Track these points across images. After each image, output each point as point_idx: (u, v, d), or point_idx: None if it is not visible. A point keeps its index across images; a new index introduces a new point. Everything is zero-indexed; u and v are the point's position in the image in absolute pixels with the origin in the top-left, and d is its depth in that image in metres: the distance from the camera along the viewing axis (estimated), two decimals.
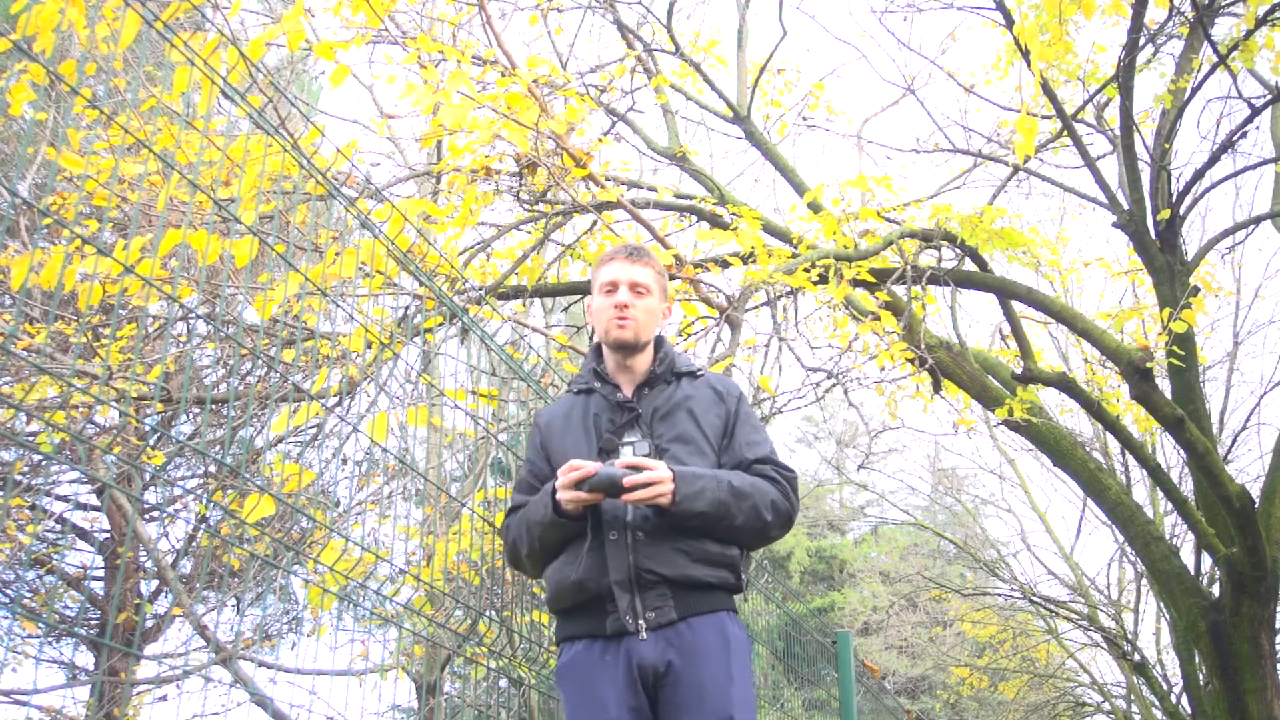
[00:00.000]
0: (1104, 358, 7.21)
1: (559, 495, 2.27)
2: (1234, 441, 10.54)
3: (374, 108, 9.11)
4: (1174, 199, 6.58)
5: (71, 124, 4.23)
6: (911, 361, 5.54)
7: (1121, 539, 10.99)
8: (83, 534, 9.72)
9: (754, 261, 4.63)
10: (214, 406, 5.73)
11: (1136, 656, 11.34)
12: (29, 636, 8.84)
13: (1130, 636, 11.73)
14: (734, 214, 5.48)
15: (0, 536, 7.45)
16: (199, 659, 8.88)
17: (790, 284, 4.63)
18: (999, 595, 13.45)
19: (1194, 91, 6.62)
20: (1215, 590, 7.25)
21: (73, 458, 7.00)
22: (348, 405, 4.19)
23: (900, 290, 6.04)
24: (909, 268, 5.58)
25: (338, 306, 3.10)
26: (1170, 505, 9.19)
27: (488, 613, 3.34)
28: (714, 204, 6.26)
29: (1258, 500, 6.40)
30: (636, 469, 2.22)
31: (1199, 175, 6.37)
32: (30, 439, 5.92)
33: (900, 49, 21.44)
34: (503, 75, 4.76)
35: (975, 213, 5.74)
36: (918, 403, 6.22)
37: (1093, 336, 6.31)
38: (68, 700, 9.13)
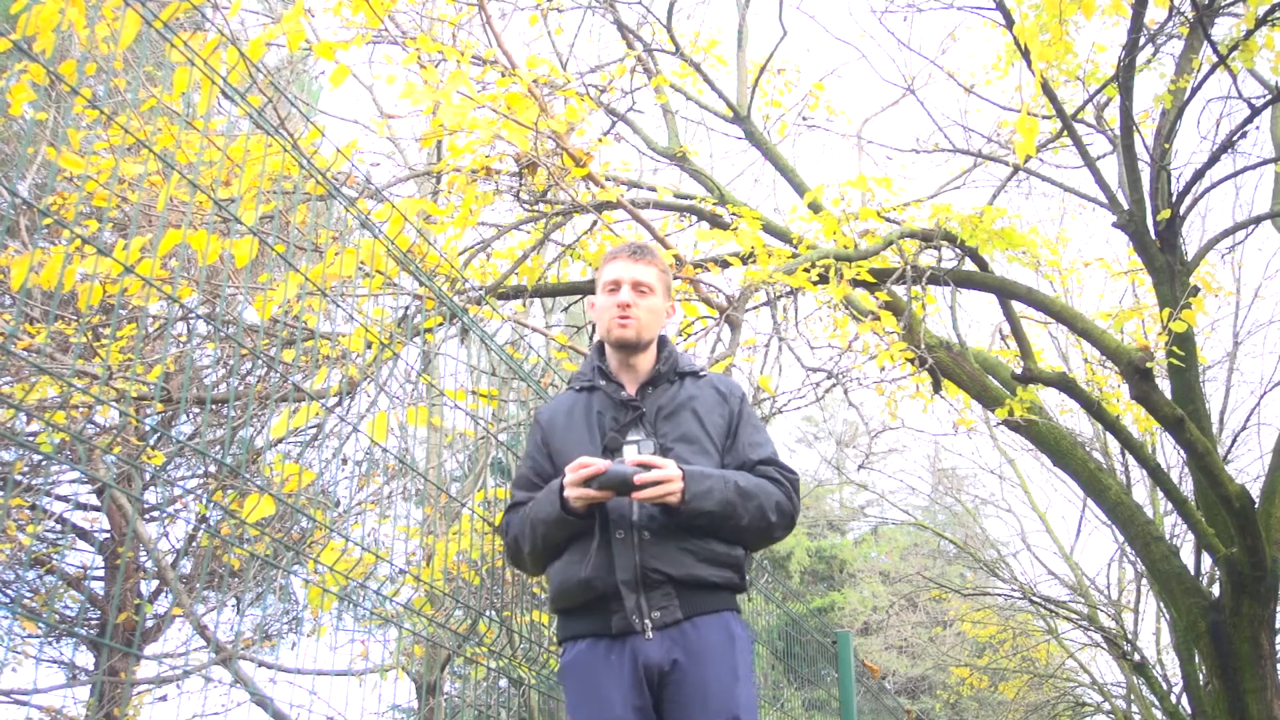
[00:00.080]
0: (1104, 358, 7.21)
1: (567, 492, 2.26)
2: (1234, 441, 10.55)
3: (374, 108, 9.11)
4: (1174, 199, 6.58)
5: (71, 124, 4.23)
6: (911, 361, 5.54)
7: (1121, 539, 11.00)
8: (83, 534, 9.72)
9: (754, 261, 4.63)
10: (214, 406, 5.73)
11: (1136, 656, 11.34)
12: (29, 636, 8.84)
13: (1130, 636, 11.73)
14: (734, 214, 5.48)
15: (0, 536, 7.45)
16: (199, 659, 8.88)
17: (790, 284, 4.63)
18: (999, 595, 13.45)
19: (1194, 91, 6.62)
20: (1215, 590, 7.25)
21: (73, 458, 6.99)
22: (348, 405, 4.19)
23: (900, 290, 6.03)
24: (909, 268, 5.58)
25: (338, 306, 3.10)
26: (1170, 505, 9.19)
27: (488, 613, 3.34)
28: (714, 204, 6.26)
29: (1258, 500, 6.40)
30: (646, 467, 2.22)
31: (1199, 175, 6.37)
32: (30, 439, 5.92)
33: (900, 49, 21.44)
34: (503, 75, 4.76)
35: (975, 213, 5.74)
36: (918, 403, 6.22)
37: (1093, 336, 6.31)
38: (68, 700, 9.13)
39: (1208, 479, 6.08)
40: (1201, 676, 7.30)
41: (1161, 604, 10.45)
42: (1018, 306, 6.68)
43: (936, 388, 6.33)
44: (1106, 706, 13.45)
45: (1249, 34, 6.05)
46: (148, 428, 6.83)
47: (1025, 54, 5.14)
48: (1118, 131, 6.51)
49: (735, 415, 2.49)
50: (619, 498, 2.26)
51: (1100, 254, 9.95)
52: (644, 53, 7.43)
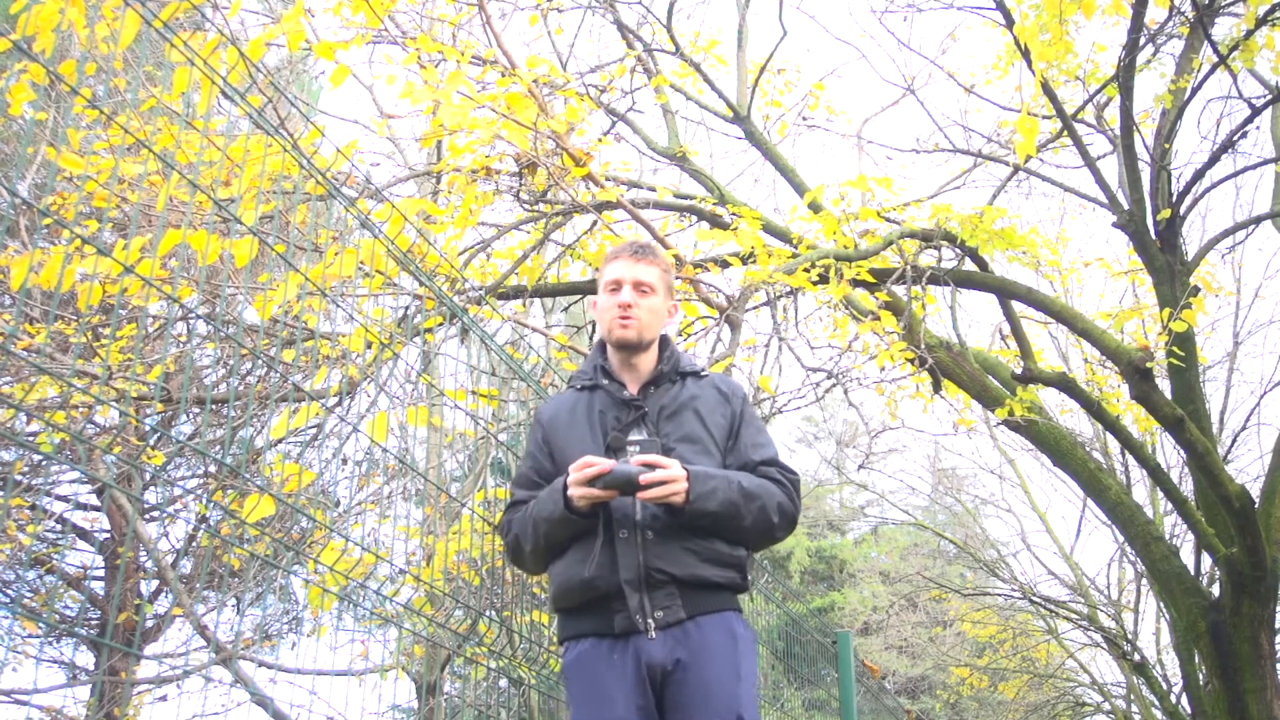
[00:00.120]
0: (1104, 358, 7.21)
1: (571, 491, 2.25)
2: (1234, 441, 10.55)
3: (374, 108, 9.12)
4: (1174, 199, 6.58)
5: (71, 124, 4.23)
6: (911, 361, 5.54)
7: (1121, 539, 10.99)
8: (83, 534, 9.72)
9: (754, 261, 4.62)
10: (214, 406, 5.73)
11: (1136, 656, 11.34)
12: (29, 636, 8.84)
13: (1130, 636, 11.73)
14: (734, 214, 5.48)
15: (0, 536, 7.45)
16: (199, 659, 8.89)
17: (790, 284, 4.63)
18: (999, 595, 13.45)
19: (1194, 91, 6.62)
20: (1215, 590, 7.25)
21: (73, 458, 7.00)
22: (348, 405, 4.19)
23: (900, 290, 6.03)
24: (909, 268, 5.57)
25: (338, 306, 3.10)
26: (1170, 505, 9.18)
27: (488, 613, 3.34)
28: (714, 204, 6.26)
29: (1258, 500, 6.40)
30: (651, 467, 2.22)
31: (1199, 175, 6.37)
32: (30, 439, 5.92)
33: (900, 49, 21.44)
34: (503, 75, 4.76)
35: (975, 213, 5.74)
36: (918, 403, 6.22)
37: (1093, 336, 6.31)
38: (68, 700, 9.13)
39: (1208, 479, 6.08)
40: (1201, 676, 7.30)
41: (1161, 604, 10.45)
42: (1018, 306, 6.68)
43: (936, 388, 6.33)
44: (1106, 706, 13.45)
45: (1249, 34, 6.05)
46: (148, 428, 6.83)
47: (1025, 54, 5.14)
48: (1118, 131, 6.51)
49: (737, 416, 2.48)
50: (622, 497, 2.26)
51: (1100, 254, 9.96)
52: (644, 53, 7.43)
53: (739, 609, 2.37)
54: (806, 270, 4.82)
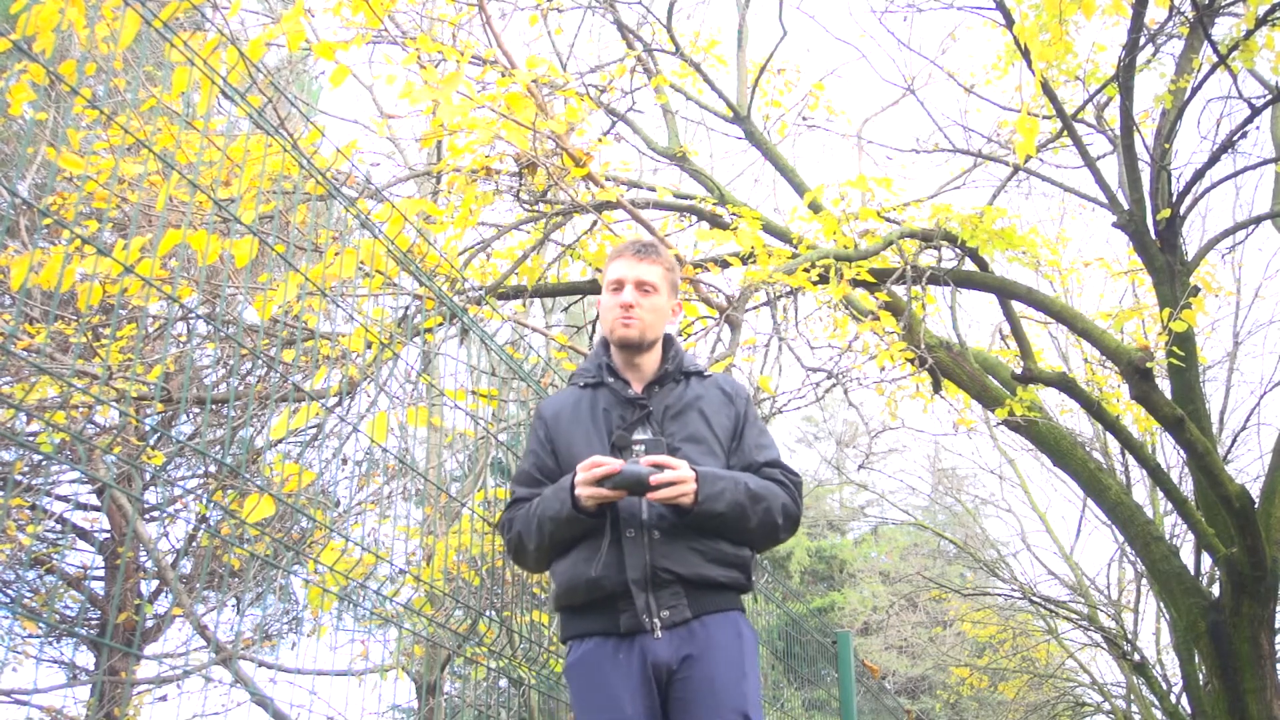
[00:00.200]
0: (1104, 358, 7.21)
1: (579, 491, 2.24)
2: (1234, 441, 10.55)
3: (374, 108, 9.12)
4: (1174, 199, 6.58)
5: (71, 124, 4.23)
6: (911, 361, 5.54)
7: (1121, 539, 11.00)
8: (83, 534, 9.72)
9: (754, 261, 4.63)
10: (214, 406, 5.73)
11: (1136, 656, 11.34)
12: (29, 636, 8.84)
13: (1130, 636, 11.73)
14: (734, 214, 5.48)
15: (0, 536, 7.45)
16: (199, 659, 8.89)
17: (790, 284, 4.63)
18: (999, 595, 13.45)
19: (1194, 91, 6.62)
20: (1215, 590, 7.25)
21: (73, 458, 7.00)
22: (348, 405, 4.19)
23: (900, 290, 6.03)
24: (909, 268, 5.58)
25: (338, 306, 3.10)
26: (1170, 505, 9.18)
27: (488, 613, 3.34)
28: (714, 204, 6.26)
29: (1258, 500, 6.40)
30: (660, 468, 2.22)
31: (1199, 175, 6.37)
32: (30, 439, 5.92)
33: (900, 49, 21.45)
34: (502, 75, 4.76)
35: (975, 213, 5.74)
36: (918, 403, 6.22)
37: (1093, 336, 6.31)
38: (68, 700, 9.13)
39: (1208, 479, 6.08)
40: (1201, 676, 7.30)
41: (1161, 604, 10.46)
42: (1018, 306, 6.68)
43: (936, 388, 6.33)
44: (1106, 706, 13.45)
45: (1249, 34, 6.05)
46: (148, 428, 6.83)
47: (1025, 54, 5.14)
48: (1118, 131, 6.51)
49: (741, 417, 2.48)
50: (629, 497, 2.25)
51: (1100, 254, 9.96)
52: (644, 53, 7.43)
53: (743, 609, 2.37)
54: (806, 270, 4.82)
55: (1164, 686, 11.43)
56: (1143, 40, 6.43)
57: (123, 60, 4.33)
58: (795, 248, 5.43)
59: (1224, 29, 7.81)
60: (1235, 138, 6.36)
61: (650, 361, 2.50)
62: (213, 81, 2.54)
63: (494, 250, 5.52)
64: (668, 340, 2.56)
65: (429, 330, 4.34)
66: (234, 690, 8.80)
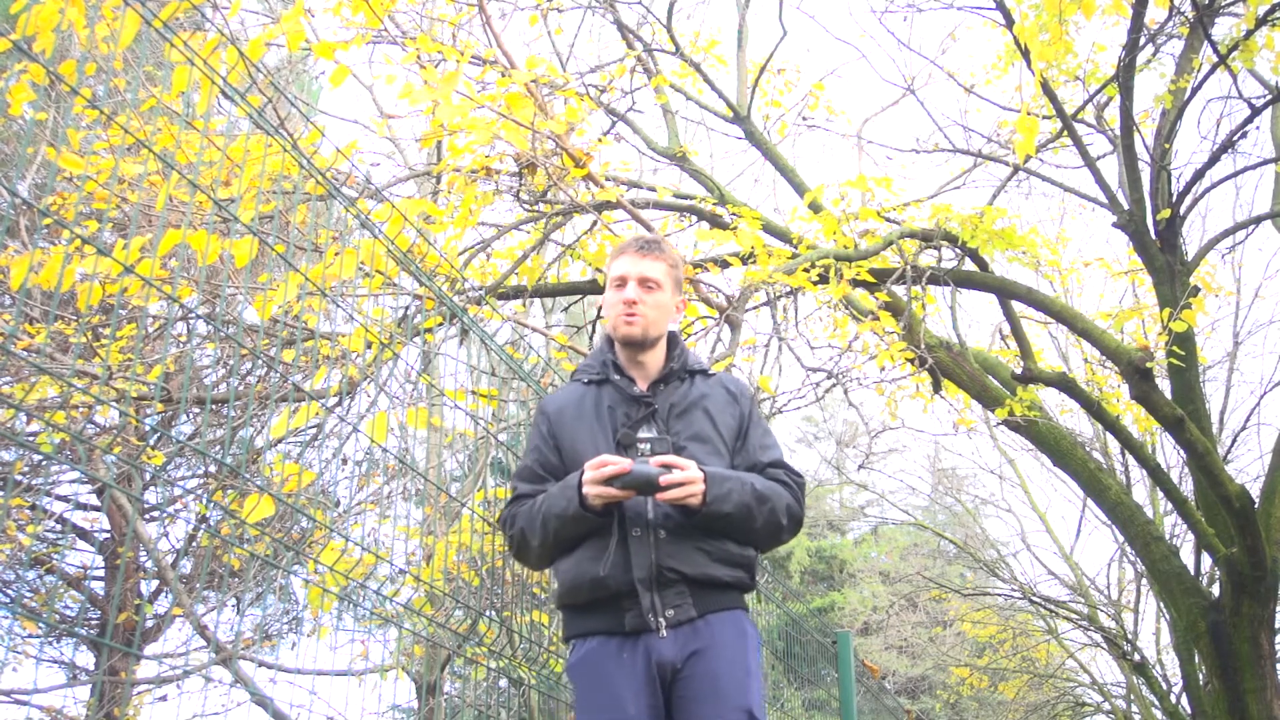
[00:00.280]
0: (1104, 358, 7.21)
1: (587, 489, 2.23)
2: (1234, 441, 10.55)
3: (374, 108, 9.12)
4: (1174, 199, 6.58)
5: (71, 124, 4.23)
6: (911, 361, 5.54)
7: (1121, 539, 11.00)
8: (83, 534, 9.73)
9: (754, 261, 4.62)
10: (214, 406, 5.73)
11: (1136, 656, 11.34)
12: (29, 636, 8.84)
13: (1130, 636, 11.73)
14: (734, 214, 5.48)
15: (0, 536, 7.45)
16: (199, 659, 8.89)
17: (790, 284, 4.63)
18: (999, 595, 13.45)
19: (1194, 91, 6.62)
20: (1215, 590, 7.25)
21: (73, 458, 7.00)
22: (348, 405, 4.19)
23: (900, 290, 6.03)
24: (909, 268, 5.57)
25: (338, 306, 3.10)
26: (1170, 505, 9.19)
27: (488, 613, 3.34)
28: (714, 204, 6.26)
29: (1258, 500, 6.40)
30: (669, 468, 2.21)
31: (1199, 175, 6.37)
32: (30, 439, 5.92)
33: (900, 49, 21.45)
34: (502, 75, 4.76)
35: (975, 213, 5.74)
36: (918, 403, 6.22)
37: (1093, 336, 6.31)
38: (68, 700, 9.14)
39: (1208, 479, 6.08)
40: (1201, 676, 7.30)
41: (1161, 604, 10.46)
42: (1018, 306, 6.68)
43: (936, 388, 6.33)
44: (1106, 706, 13.45)
45: (1249, 34, 6.04)
46: (148, 428, 6.83)
47: (1025, 54, 5.14)
48: (1118, 131, 6.51)
49: (746, 416, 2.48)
50: (636, 496, 2.24)
51: (1100, 254, 9.96)
52: (644, 53, 7.43)
53: (746, 608, 2.37)
54: (806, 270, 4.82)
55: (1164, 686, 11.43)
56: (1143, 40, 6.43)
57: (123, 60, 4.33)
58: (795, 248, 5.43)
59: (1224, 29, 7.82)
60: (1235, 138, 6.36)
61: (655, 359, 2.49)
62: (213, 81, 2.54)
63: (494, 250, 5.52)
64: (672, 338, 2.54)
65: (429, 330, 4.34)
66: (234, 690, 8.81)
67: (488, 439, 4.52)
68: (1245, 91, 6.25)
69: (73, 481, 9.37)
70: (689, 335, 5.07)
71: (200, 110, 2.77)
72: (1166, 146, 6.73)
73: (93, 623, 9.53)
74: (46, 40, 3.09)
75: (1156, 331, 6.38)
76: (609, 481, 2.20)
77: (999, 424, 7.35)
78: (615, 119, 6.98)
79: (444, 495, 4.76)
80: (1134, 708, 12.69)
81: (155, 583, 9.67)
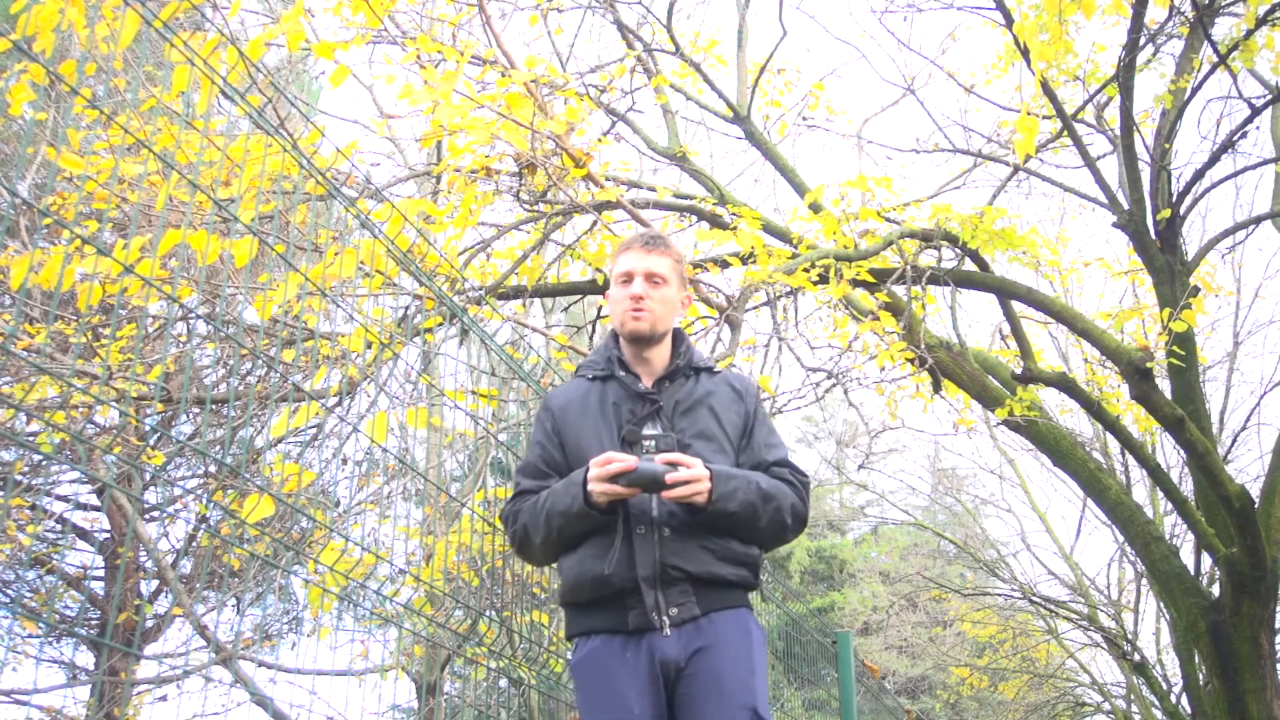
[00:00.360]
0: (1104, 358, 7.21)
1: (592, 486, 2.21)
2: (1234, 441, 10.55)
3: (374, 108, 9.12)
4: (1174, 199, 6.58)
5: (71, 124, 4.23)
6: (911, 361, 5.54)
7: (1121, 539, 11.00)
8: (83, 534, 9.73)
9: (754, 261, 4.62)
10: (214, 406, 5.73)
11: (1136, 656, 11.34)
12: (29, 636, 8.84)
13: (1130, 636, 11.73)
14: (734, 214, 5.48)
15: (0, 536, 7.45)
16: (199, 659, 8.89)
17: (790, 284, 4.63)
18: (999, 595, 13.46)
19: (1194, 91, 6.62)
20: (1215, 590, 7.25)
21: (73, 458, 7.00)
22: (348, 405, 4.19)
23: (900, 290, 6.04)
24: (909, 268, 5.58)
25: (338, 306, 3.10)
26: (1170, 505, 9.19)
27: (488, 613, 3.34)
28: (714, 204, 6.26)
29: (1258, 500, 6.40)
30: (674, 465, 2.20)
31: (1199, 175, 6.37)
32: (30, 439, 5.93)
33: (900, 49, 21.46)
34: (502, 75, 4.76)
35: (975, 213, 5.74)
36: (918, 403, 6.22)
37: (1093, 336, 6.31)
38: (68, 700, 9.14)
39: (1208, 479, 6.08)
40: (1201, 676, 7.30)
41: (1161, 604, 10.46)
42: (1018, 306, 6.68)
43: (936, 388, 6.34)
44: (1106, 706, 13.45)
45: (1249, 34, 6.04)
46: (148, 428, 6.83)
47: (1025, 53, 5.14)
48: (1118, 131, 6.51)
49: (751, 414, 2.46)
50: (642, 494, 2.23)
51: (1100, 254, 9.96)
52: (644, 53, 7.43)
53: (750, 607, 2.36)
54: (806, 270, 4.82)
55: (1164, 686, 11.43)
56: (1143, 40, 6.43)
57: (123, 60, 4.33)
58: (795, 248, 5.43)
59: (1224, 29, 7.82)
60: (1235, 138, 6.36)
61: (660, 356, 2.47)
62: (213, 81, 2.54)
63: (494, 250, 5.52)
64: (677, 335, 2.53)
65: (429, 330, 4.34)
66: (234, 690, 8.82)
67: (488, 439, 4.52)
68: (1245, 91, 6.26)
69: (73, 481, 9.37)
70: (689, 335, 5.07)
71: (200, 110, 2.77)
72: (1166, 146, 6.73)
73: (93, 623, 9.54)
74: (46, 40, 3.09)
75: (1156, 331, 6.38)
76: (614, 479, 2.19)
77: (999, 424, 7.35)
78: (615, 119, 6.99)
79: (444, 495, 4.76)
80: (1134, 708, 12.69)
81: (155, 583, 9.67)
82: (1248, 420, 10.49)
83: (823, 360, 5.47)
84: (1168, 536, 9.76)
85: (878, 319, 5.44)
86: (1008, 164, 7.85)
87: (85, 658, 9.78)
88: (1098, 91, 7.26)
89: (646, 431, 2.33)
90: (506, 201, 5.37)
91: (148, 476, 8.46)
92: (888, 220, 6.27)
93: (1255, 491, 6.60)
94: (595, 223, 5.14)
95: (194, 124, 3.66)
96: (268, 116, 3.92)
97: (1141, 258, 6.88)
